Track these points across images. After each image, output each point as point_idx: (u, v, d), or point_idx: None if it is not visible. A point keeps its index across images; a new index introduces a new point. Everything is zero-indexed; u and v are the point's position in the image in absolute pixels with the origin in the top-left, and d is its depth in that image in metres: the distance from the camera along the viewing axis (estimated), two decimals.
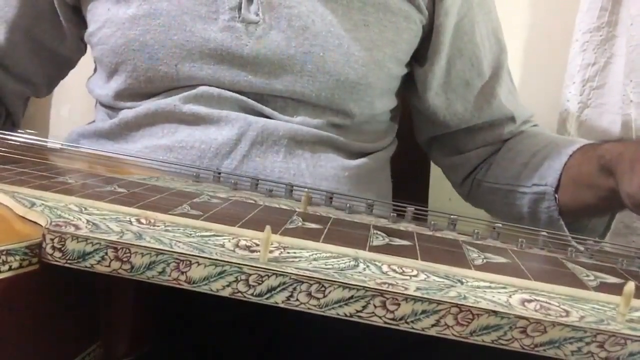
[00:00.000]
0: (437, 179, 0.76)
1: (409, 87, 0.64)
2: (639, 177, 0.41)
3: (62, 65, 0.68)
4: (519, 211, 0.59)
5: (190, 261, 0.27)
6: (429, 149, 0.70)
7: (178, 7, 0.53)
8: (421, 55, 0.61)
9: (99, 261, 0.27)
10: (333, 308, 0.26)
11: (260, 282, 0.26)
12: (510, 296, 0.27)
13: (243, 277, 0.26)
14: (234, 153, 0.53)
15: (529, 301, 0.26)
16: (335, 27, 0.54)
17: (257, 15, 0.53)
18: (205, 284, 0.27)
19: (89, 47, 0.62)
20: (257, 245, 0.29)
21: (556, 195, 0.55)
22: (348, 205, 0.41)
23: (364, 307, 0.26)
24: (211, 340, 0.46)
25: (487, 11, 0.62)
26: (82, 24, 0.61)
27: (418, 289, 0.26)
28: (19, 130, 0.53)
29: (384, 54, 0.56)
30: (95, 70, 0.63)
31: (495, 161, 0.64)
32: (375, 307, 0.26)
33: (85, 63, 0.66)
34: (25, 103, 0.70)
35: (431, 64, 0.60)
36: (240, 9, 0.53)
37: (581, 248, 0.37)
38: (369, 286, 0.26)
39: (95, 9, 0.57)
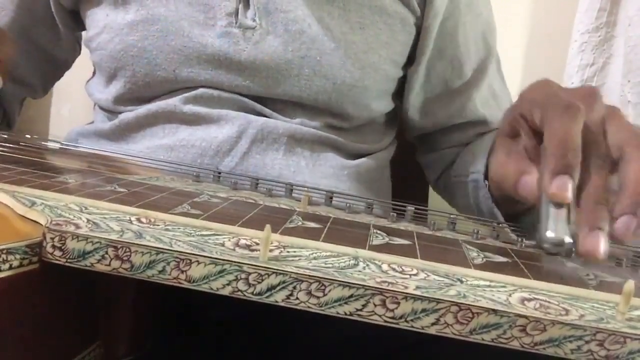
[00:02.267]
0: None
1: (399, 87, 0.64)
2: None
3: (58, 67, 0.68)
4: (469, 202, 0.57)
5: (190, 260, 0.27)
6: (416, 147, 0.71)
7: (176, 13, 0.53)
8: (411, 57, 0.61)
9: (99, 260, 0.27)
10: (333, 307, 0.26)
11: (260, 280, 0.26)
12: (509, 295, 0.27)
13: (243, 275, 0.26)
14: (234, 151, 0.53)
15: (529, 300, 0.26)
16: (332, 31, 0.54)
17: (254, 20, 0.53)
18: (206, 283, 0.27)
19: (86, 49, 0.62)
20: (257, 244, 0.29)
21: (486, 182, 0.52)
22: (348, 204, 0.41)
23: (364, 305, 0.26)
24: (211, 340, 0.46)
25: (477, 13, 0.62)
26: (78, 27, 0.62)
27: (418, 287, 0.26)
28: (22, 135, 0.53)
29: (379, 56, 0.56)
30: (94, 73, 0.63)
31: (459, 156, 0.64)
32: (375, 305, 0.26)
33: (86, 63, 0.66)
34: (21, 104, 0.70)
35: (417, 64, 0.60)
36: (237, 14, 0.53)
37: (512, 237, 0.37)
38: (368, 285, 0.26)
39: (95, 14, 0.57)
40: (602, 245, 0.31)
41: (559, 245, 0.31)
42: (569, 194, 0.32)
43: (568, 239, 0.31)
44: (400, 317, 0.25)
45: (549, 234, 0.31)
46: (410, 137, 0.69)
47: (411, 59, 0.61)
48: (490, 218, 0.46)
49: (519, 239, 0.37)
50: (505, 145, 0.40)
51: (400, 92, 0.63)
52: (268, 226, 0.27)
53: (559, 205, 0.32)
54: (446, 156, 0.66)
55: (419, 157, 0.71)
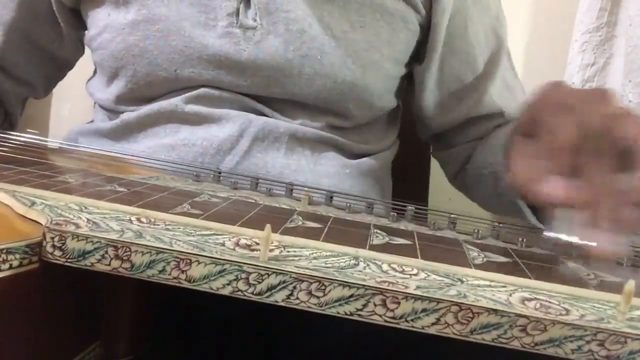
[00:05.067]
0: (437, 178, 0.76)
1: (408, 86, 0.64)
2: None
3: (60, 67, 0.68)
4: (489, 193, 0.58)
5: (190, 260, 0.27)
6: (431, 145, 0.71)
7: (177, 13, 0.53)
8: (420, 54, 0.61)
9: (99, 260, 0.27)
10: (333, 306, 0.26)
11: (261, 280, 0.26)
12: (510, 295, 0.27)
13: (243, 275, 0.26)
14: (235, 150, 0.53)
15: (529, 300, 0.26)
16: (332, 30, 0.54)
17: (255, 20, 0.53)
18: (206, 283, 0.27)
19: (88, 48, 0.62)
20: (257, 244, 0.29)
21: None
22: (348, 204, 0.41)
23: (364, 305, 0.26)
24: (211, 340, 0.46)
25: (485, 7, 0.61)
26: (80, 26, 0.61)
27: (418, 287, 0.26)
28: (23, 135, 0.53)
29: (380, 54, 0.56)
30: (94, 72, 0.63)
31: (476, 150, 0.64)
32: (375, 305, 0.26)
33: (86, 63, 0.66)
34: (23, 104, 0.70)
35: (428, 61, 0.60)
36: (237, 14, 0.53)
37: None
38: (369, 284, 0.26)
39: (96, 14, 0.57)
40: (605, 244, 0.31)
41: (562, 244, 0.33)
42: (568, 195, 0.33)
43: (572, 239, 0.32)
44: (401, 317, 0.25)
45: (553, 233, 0.33)
46: (426, 135, 0.69)
47: (420, 57, 0.61)
48: (513, 208, 0.45)
49: (520, 239, 0.36)
50: (519, 147, 0.40)
51: (403, 90, 0.63)
52: (268, 226, 0.27)
53: (564, 205, 0.33)
54: (464, 151, 0.65)
55: (435, 154, 0.71)
